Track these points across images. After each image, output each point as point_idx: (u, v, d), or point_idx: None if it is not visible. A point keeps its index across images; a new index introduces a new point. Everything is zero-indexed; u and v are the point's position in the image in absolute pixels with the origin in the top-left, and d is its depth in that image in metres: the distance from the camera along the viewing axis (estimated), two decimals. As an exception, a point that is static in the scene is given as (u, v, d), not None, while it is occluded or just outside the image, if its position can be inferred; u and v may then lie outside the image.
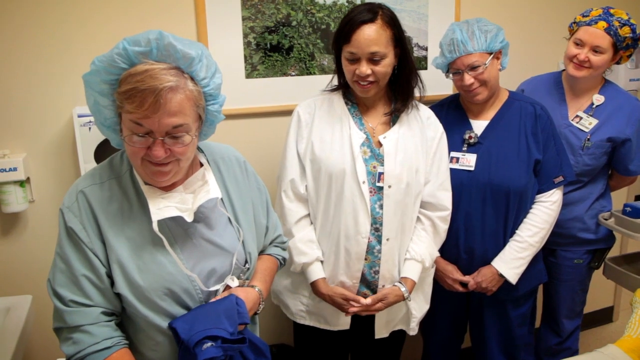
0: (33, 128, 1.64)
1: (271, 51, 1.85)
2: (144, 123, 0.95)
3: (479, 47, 1.59)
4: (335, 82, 1.60)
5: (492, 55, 1.62)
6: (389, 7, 1.47)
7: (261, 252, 1.31)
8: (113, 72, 0.96)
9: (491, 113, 1.75)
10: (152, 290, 1.03)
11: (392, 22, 1.44)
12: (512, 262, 1.70)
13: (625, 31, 1.74)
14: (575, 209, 1.93)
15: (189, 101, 0.99)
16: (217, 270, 1.13)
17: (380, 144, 1.52)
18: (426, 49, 2.09)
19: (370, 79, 1.44)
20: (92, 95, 1.00)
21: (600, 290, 2.72)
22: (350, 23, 1.41)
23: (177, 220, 1.08)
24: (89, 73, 0.98)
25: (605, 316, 2.91)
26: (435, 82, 2.14)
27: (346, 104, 1.56)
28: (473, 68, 1.62)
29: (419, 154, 1.54)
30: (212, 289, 1.12)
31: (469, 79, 1.62)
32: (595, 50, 1.77)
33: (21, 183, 1.61)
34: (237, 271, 1.17)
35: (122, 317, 1.10)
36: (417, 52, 2.08)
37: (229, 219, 1.17)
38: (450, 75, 1.69)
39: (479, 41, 1.59)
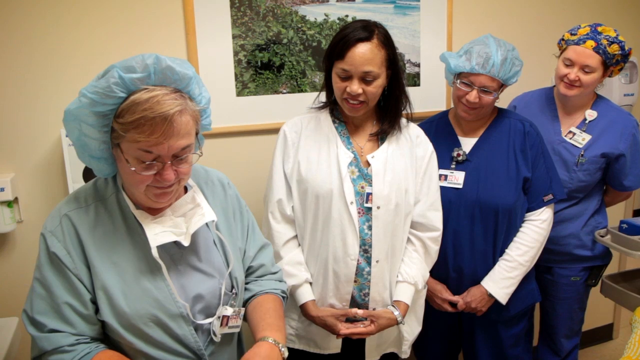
0: (21, 148, 1.63)
1: (262, 69, 1.85)
2: (154, 150, 0.94)
3: (502, 75, 1.59)
4: (322, 98, 1.57)
5: (502, 88, 1.63)
6: (383, 26, 1.45)
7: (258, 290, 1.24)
8: (109, 103, 0.93)
9: (480, 130, 1.74)
10: (138, 317, 1.01)
11: (387, 42, 1.42)
12: (501, 281, 1.67)
13: (614, 49, 1.73)
14: (570, 226, 1.91)
15: (193, 120, 0.99)
16: (204, 296, 1.10)
17: (368, 164, 1.49)
18: (418, 65, 2.08)
19: (361, 98, 1.42)
20: (76, 128, 0.97)
21: (599, 308, 2.68)
22: (345, 39, 1.38)
23: (164, 245, 1.05)
24: (79, 106, 0.94)
25: (605, 334, 2.86)
26: (428, 99, 2.14)
27: (334, 122, 1.54)
28: (485, 90, 1.60)
29: (408, 173, 1.51)
30: (205, 321, 1.09)
31: (475, 96, 1.61)
32: (585, 69, 1.75)
33: (9, 203, 1.60)
34: (226, 298, 1.13)
35: (105, 342, 1.06)
36: (409, 69, 2.08)
37: (215, 243, 1.14)
38: (457, 81, 1.64)
39: (505, 70, 1.59)
